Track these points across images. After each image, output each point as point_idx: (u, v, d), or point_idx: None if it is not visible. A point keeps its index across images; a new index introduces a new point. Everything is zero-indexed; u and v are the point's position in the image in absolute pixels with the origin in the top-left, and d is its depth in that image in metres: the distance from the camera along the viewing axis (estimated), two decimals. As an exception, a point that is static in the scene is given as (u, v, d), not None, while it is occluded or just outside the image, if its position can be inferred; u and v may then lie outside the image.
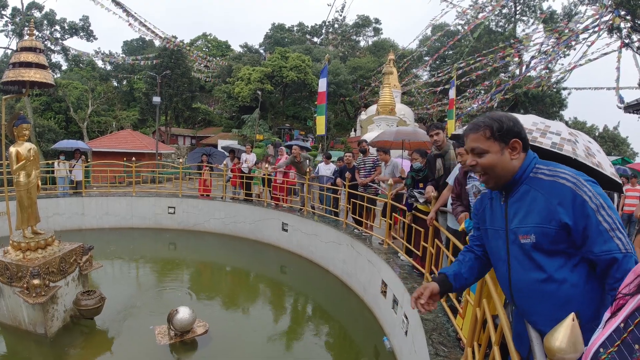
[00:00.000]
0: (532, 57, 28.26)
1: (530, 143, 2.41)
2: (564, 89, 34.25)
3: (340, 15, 55.86)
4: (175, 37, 38.42)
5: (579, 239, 1.49)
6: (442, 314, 4.15)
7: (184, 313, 5.25)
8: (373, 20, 56.88)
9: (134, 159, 12.32)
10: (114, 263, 8.82)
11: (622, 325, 0.99)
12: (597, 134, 36.97)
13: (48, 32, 38.28)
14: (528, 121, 2.57)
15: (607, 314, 1.10)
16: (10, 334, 5.40)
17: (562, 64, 28.25)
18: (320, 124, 15.29)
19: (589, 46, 21.34)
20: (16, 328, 5.39)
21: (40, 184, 5.81)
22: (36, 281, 4.98)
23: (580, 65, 21.77)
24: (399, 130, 8.11)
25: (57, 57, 42.33)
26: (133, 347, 5.28)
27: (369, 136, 19.44)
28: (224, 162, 11.99)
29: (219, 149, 16.15)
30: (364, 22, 56.49)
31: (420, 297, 1.80)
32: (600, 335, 1.05)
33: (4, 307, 5.41)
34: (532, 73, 29.29)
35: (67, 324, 5.61)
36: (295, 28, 59.13)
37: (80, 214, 11.11)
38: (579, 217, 1.47)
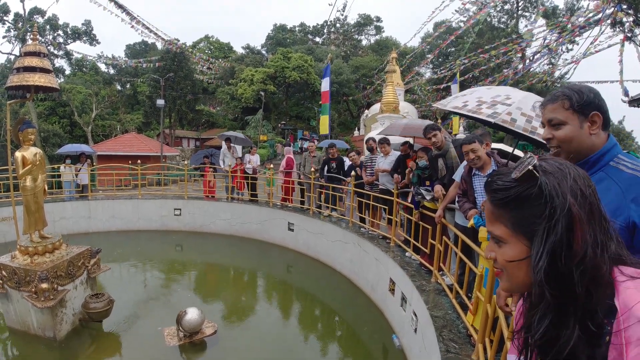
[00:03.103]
0: (535, 53, 28.15)
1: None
2: (568, 83, 34.13)
3: (342, 15, 55.96)
4: (178, 40, 38.52)
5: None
6: (452, 311, 4.12)
7: (192, 314, 5.25)
8: (374, 19, 56.94)
9: (139, 161, 12.36)
10: (122, 266, 8.85)
11: None
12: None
13: (51, 37, 38.55)
14: (531, 99, 2.52)
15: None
16: (19, 339, 5.41)
17: (566, 59, 28.04)
18: (324, 124, 15.33)
19: (592, 42, 21.26)
20: (25, 332, 5.40)
21: (46, 188, 5.80)
22: (44, 285, 4.98)
23: (585, 56, 21.67)
24: (408, 124, 7.95)
25: (60, 62, 42.68)
26: (142, 349, 5.29)
27: (375, 135, 19.36)
28: (222, 150, 11.97)
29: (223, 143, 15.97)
30: (365, 21, 56.51)
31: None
32: None
33: (13, 311, 5.42)
34: (535, 67, 29.21)
35: (76, 327, 5.61)
36: (297, 28, 59.24)
37: (86, 218, 11.15)
38: None
